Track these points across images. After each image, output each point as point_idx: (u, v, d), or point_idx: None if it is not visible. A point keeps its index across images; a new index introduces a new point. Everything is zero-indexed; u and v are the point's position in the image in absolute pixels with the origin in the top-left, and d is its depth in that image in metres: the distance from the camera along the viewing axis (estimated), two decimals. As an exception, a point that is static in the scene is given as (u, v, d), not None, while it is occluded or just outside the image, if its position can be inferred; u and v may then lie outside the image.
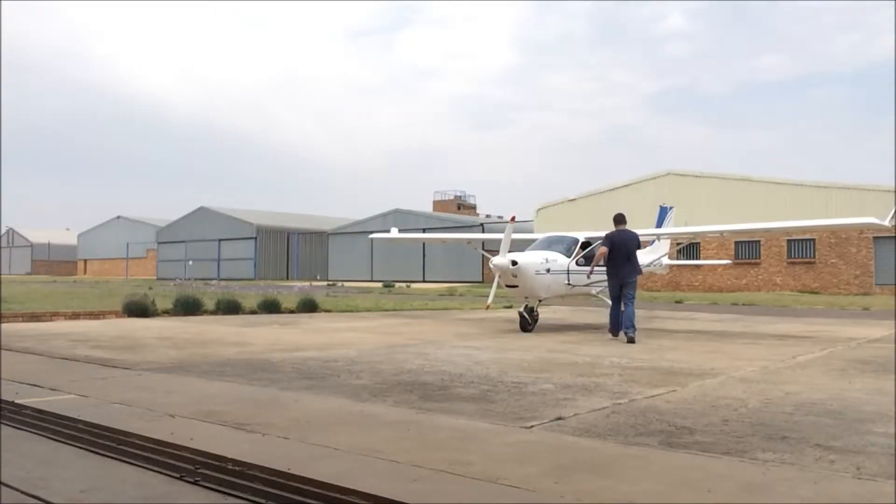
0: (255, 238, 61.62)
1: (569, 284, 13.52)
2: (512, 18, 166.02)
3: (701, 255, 37.25)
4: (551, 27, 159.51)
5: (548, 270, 13.10)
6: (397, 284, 42.33)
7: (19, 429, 4.86)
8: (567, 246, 13.87)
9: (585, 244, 14.03)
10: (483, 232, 45.96)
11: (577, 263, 13.61)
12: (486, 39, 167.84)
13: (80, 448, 4.34)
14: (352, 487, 3.43)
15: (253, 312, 16.95)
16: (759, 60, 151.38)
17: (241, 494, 3.45)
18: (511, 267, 12.57)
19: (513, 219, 13.51)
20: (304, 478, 3.60)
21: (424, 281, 48.90)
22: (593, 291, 14.25)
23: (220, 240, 64.30)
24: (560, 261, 13.42)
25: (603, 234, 13.45)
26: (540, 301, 13.70)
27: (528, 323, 13.02)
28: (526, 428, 4.90)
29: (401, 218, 53.21)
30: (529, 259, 13.07)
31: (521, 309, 13.27)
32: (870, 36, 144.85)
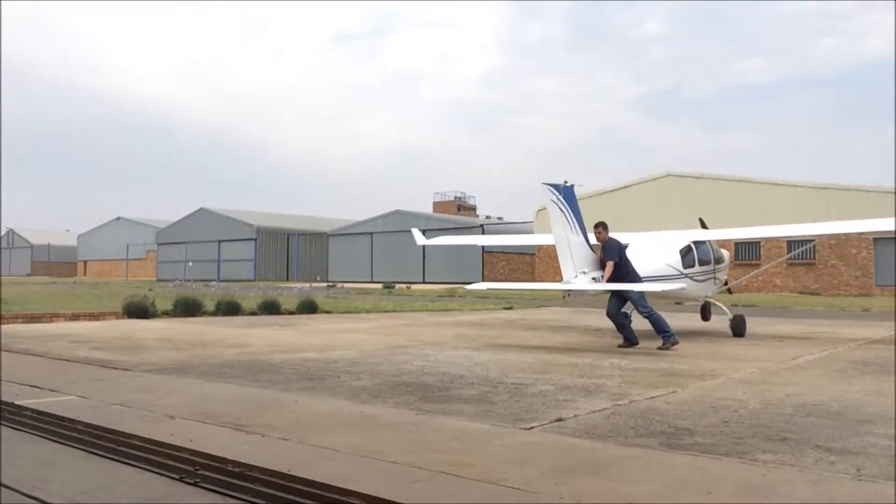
0: (256, 239, 61.60)
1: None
2: (498, 22, 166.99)
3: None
4: (535, 31, 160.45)
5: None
6: (397, 285, 42.25)
7: (19, 430, 4.86)
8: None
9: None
10: (483, 233, 46.00)
11: None
12: (476, 43, 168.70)
13: (80, 449, 4.34)
14: (352, 489, 3.43)
15: (253, 314, 16.95)
16: (741, 64, 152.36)
17: (241, 496, 3.45)
18: None
19: None
20: (304, 479, 3.60)
21: (424, 282, 48.86)
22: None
23: (220, 241, 64.25)
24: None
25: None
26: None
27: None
28: (526, 429, 4.90)
29: (401, 219, 53.21)
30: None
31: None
32: (850, 40, 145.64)
